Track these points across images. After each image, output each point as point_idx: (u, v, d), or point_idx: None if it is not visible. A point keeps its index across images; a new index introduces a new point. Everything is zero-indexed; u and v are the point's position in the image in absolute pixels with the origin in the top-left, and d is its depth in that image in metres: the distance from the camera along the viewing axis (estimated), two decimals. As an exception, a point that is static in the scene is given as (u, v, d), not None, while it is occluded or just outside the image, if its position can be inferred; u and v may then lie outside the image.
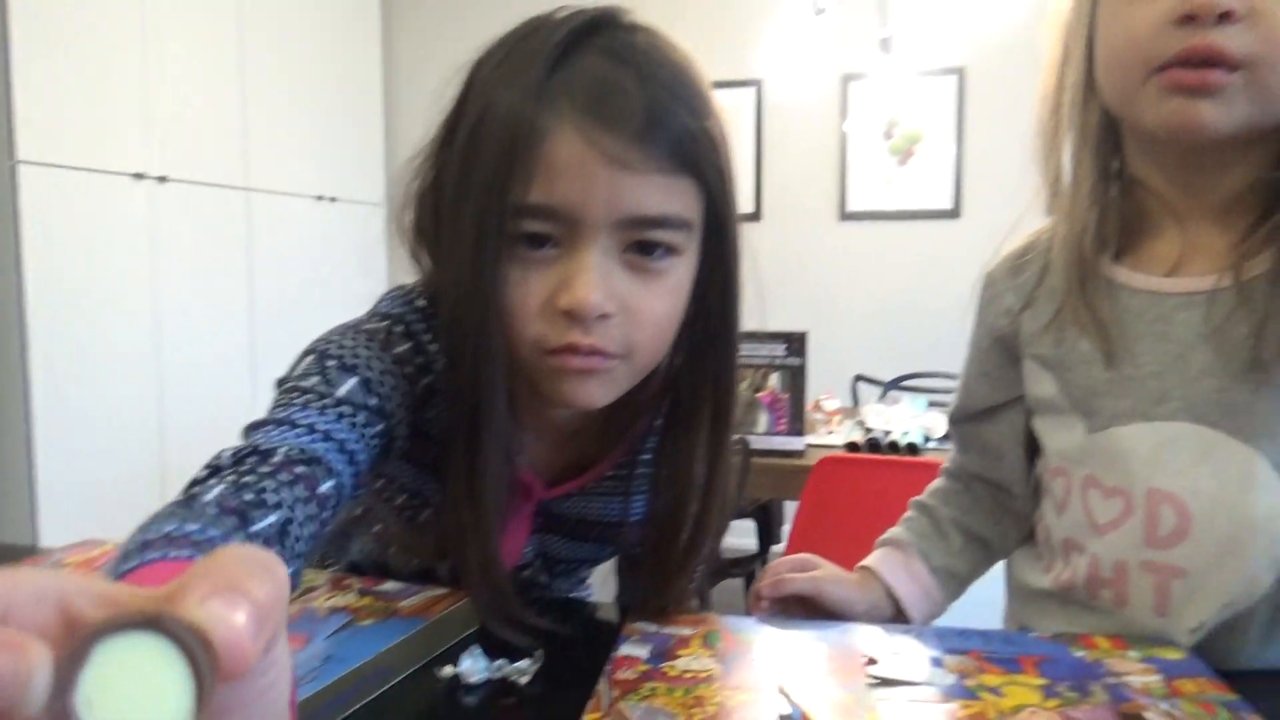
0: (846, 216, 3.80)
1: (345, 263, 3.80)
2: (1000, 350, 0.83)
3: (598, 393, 0.66)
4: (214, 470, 0.56)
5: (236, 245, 3.27)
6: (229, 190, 3.21)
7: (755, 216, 3.86)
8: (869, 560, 0.86)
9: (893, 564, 0.84)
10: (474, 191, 0.61)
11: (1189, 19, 0.61)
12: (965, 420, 0.88)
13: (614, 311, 0.62)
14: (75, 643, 0.18)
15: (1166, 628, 0.69)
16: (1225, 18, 0.60)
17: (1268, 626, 0.69)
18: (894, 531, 0.89)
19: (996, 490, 0.87)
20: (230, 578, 0.21)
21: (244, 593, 0.21)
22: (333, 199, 3.75)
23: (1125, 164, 0.74)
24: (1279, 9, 0.60)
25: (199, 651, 0.19)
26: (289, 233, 3.52)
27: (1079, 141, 0.73)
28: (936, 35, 3.44)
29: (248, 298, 3.31)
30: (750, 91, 3.81)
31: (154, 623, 0.19)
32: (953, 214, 3.64)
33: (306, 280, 3.58)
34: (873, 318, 3.77)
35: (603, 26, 0.64)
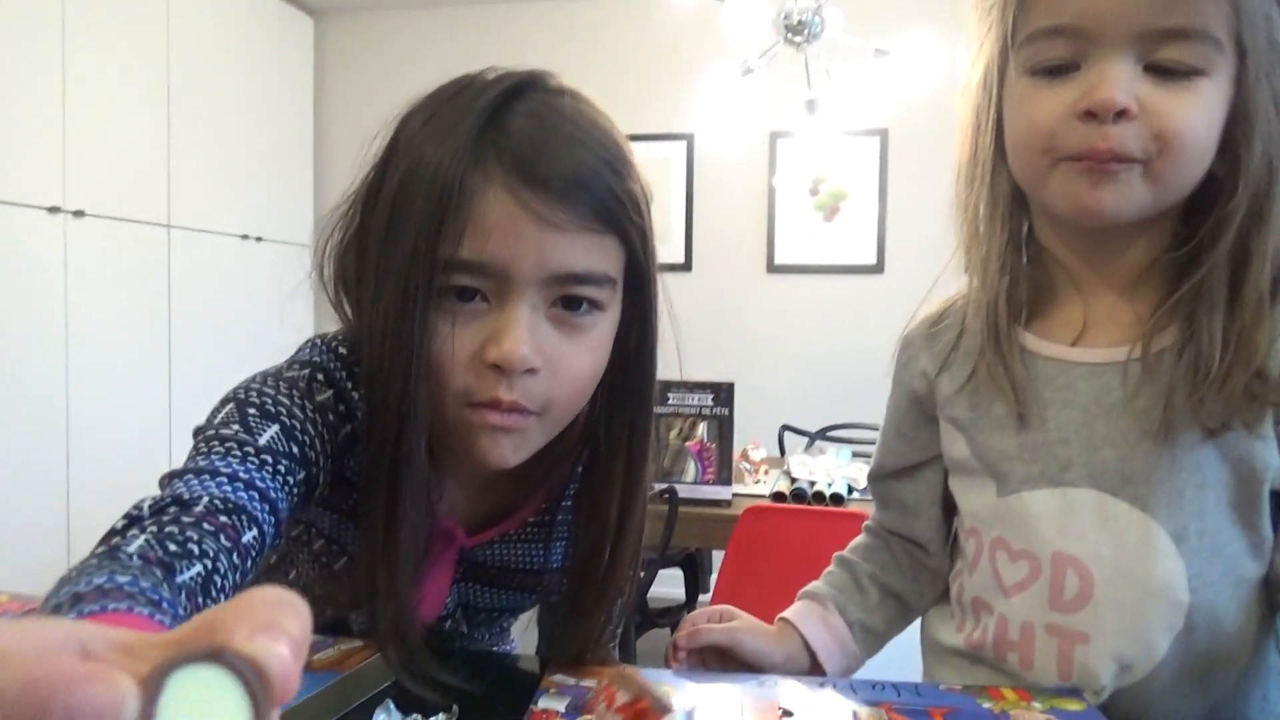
0: (774, 269, 3.88)
1: (269, 304, 3.73)
2: (916, 411, 0.84)
3: (510, 452, 0.67)
4: (133, 520, 0.55)
5: (156, 283, 3.18)
6: (150, 227, 3.14)
7: (686, 267, 3.92)
8: (788, 612, 0.86)
9: (810, 617, 0.85)
10: (403, 245, 0.62)
11: (1089, 115, 0.63)
12: (884, 478, 0.89)
13: (540, 366, 0.64)
14: (151, 674, 0.20)
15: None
16: (1121, 115, 0.63)
17: (1169, 690, 0.70)
18: (814, 585, 0.89)
19: (914, 548, 0.88)
20: (268, 617, 0.23)
21: (281, 629, 0.23)
22: (258, 238, 3.68)
23: (1033, 232, 0.77)
24: (1169, 106, 0.63)
25: (256, 681, 0.21)
26: (211, 272, 3.44)
27: (990, 209, 0.76)
28: (859, 98, 3.57)
29: (166, 337, 3.21)
30: (682, 145, 3.89)
31: (217, 656, 0.21)
32: (876, 269, 3.75)
33: (228, 321, 3.49)
34: (799, 368, 3.84)
35: (531, 89, 0.66)
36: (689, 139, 3.87)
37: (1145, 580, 0.69)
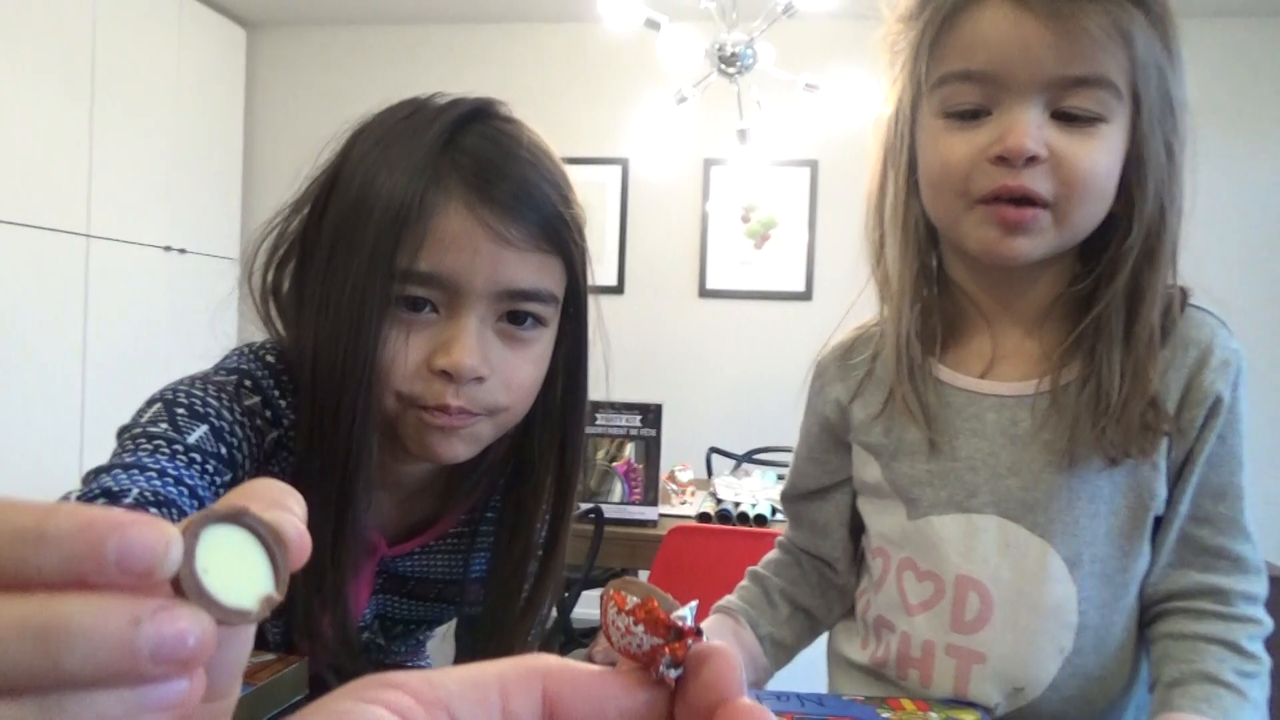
0: (706, 294, 3.93)
1: (192, 317, 3.64)
2: (828, 437, 0.87)
3: (461, 448, 0.69)
4: None
5: (72, 294, 3.08)
6: (67, 236, 3.04)
7: (619, 290, 3.95)
8: (702, 625, 0.88)
9: (722, 629, 0.87)
10: (358, 256, 0.64)
11: (1001, 159, 0.67)
12: (795, 499, 0.92)
13: (487, 375, 0.67)
14: (187, 527, 0.22)
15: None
16: (1031, 161, 0.66)
17: (1057, 714, 0.74)
18: (727, 599, 0.92)
19: (823, 565, 0.91)
20: (274, 497, 0.25)
21: (288, 508, 0.25)
22: (182, 250, 3.60)
23: (942, 264, 0.80)
24: (1075, 152, 0.66)
25: (274, 543, 0.24)
26: (132, 283, 3.35)
27: (902, 242, 0.78)
28: (790, 130, 3.66)
29: (81, 349, 3.11)
30: (617, 169, 3.93)
31: (240, 518, 0.23)
32: (805, 296, 3.83)
33: (147, 334, 3.40)
34: (729, 392, 3.89)
35: (484, 114, 0.70)
36: (624, 163, 3.92)
37: (1039, 603, 0.73)
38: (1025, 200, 0.67)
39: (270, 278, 0.73)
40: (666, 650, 0.26)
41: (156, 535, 0.21)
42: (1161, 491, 0.73)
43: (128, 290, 3.33)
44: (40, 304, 2.95)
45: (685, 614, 0.26)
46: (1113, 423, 0.69)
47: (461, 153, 0.66)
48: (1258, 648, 0.71)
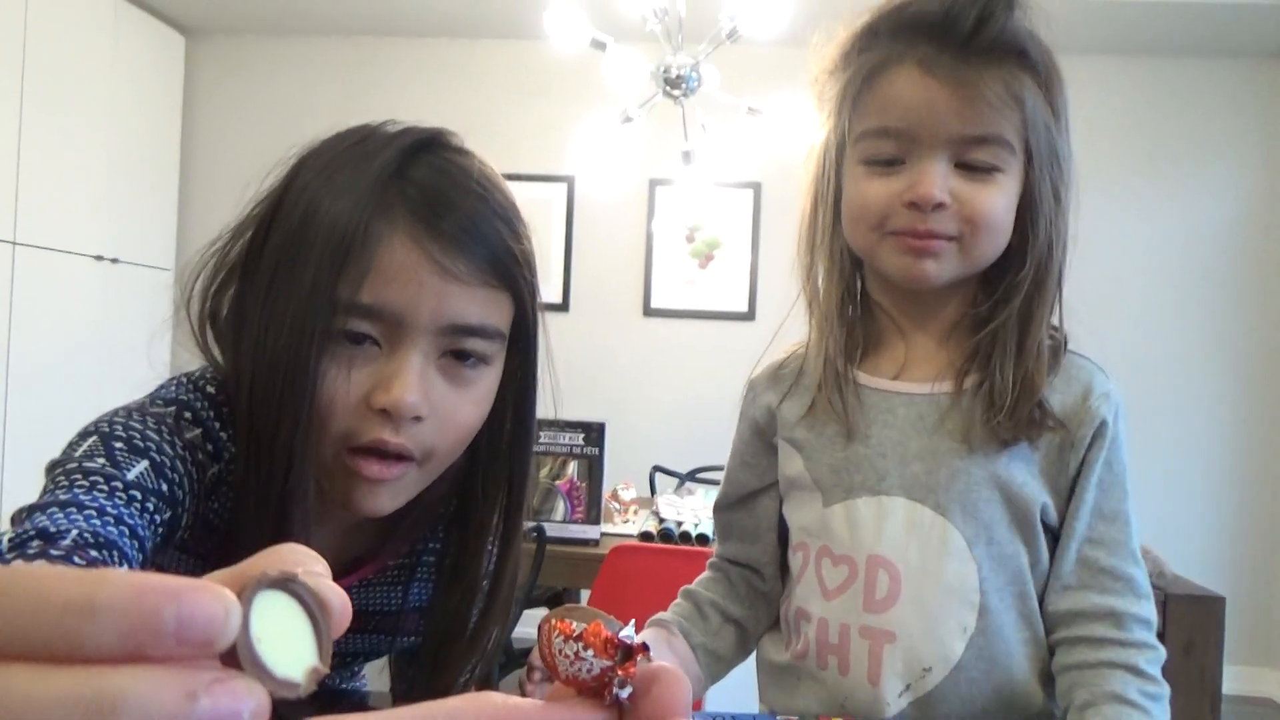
0: (650, 313, 3.95)
1: (123, 330, 3.54)
2: (758, 440, 0.94)
3: (386, 501, 0.67)
4: None
5: (-5, 303, 2.98)
6: (-8, 243, 2.95)
7: (563, 307, 3.95)
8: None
9: (656, 641, 0.89)
10: (298, 286, 0.62)
11: (913, 205, 0.77)
12: (727, 508, 0.97)
13: (427, 414, 0.65)
14: (242, 593, 0.22)
15: (879, 696, 0.79)
16: (938, 207, 0.77)
17: (965, 699, 0.79)
18: (661, 614, 0.95)
19: (751, 574, 0.96)
20: (301, 561, 0.25)
21: (315, 570, 0.24)
22: (114, 260, 3.51)
23: (865, 285, 0.90)
24: (975, 196, 0.77)
25: (318, 609, 0.24)
26: (60, 293, 3.25)
27: (828, 268, 0.89)
28: (734, 152, 3.71)
29: (4, 361, 3.01)
30: (562, 187, 3.94)
31: (291, 583, 0.23)
32: (748, 316, 3.87)
33: (75, 346, 3.30)
34: (673, 410, 3.91)
35: (435, 145, 0.68)
36: (569, 181, 3.93)
37: (942, 578, 0.79)
38: (931, 236, 0.78)
39: (209, 304, 0.70)
40: (618, 671, 0.26)
41: (217, 605, 0.20)
42: (1040, 496, 0.81)
43: (55, 300, 3.23)
44: (-39, 314, 2.85)
45: (630, 633, 0.27)
46: (1005, 418, 0.79)
47: (409, 183, 0.64)
48: (1156, 672, 0.77)
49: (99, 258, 3.44)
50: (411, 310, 0.63)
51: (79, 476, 0.58)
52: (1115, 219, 3.73)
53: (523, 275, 0.69)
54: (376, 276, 0.62)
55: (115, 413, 0.65)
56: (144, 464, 0.61)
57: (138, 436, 0.62)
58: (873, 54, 0.80)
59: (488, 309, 0.66)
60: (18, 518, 0.55)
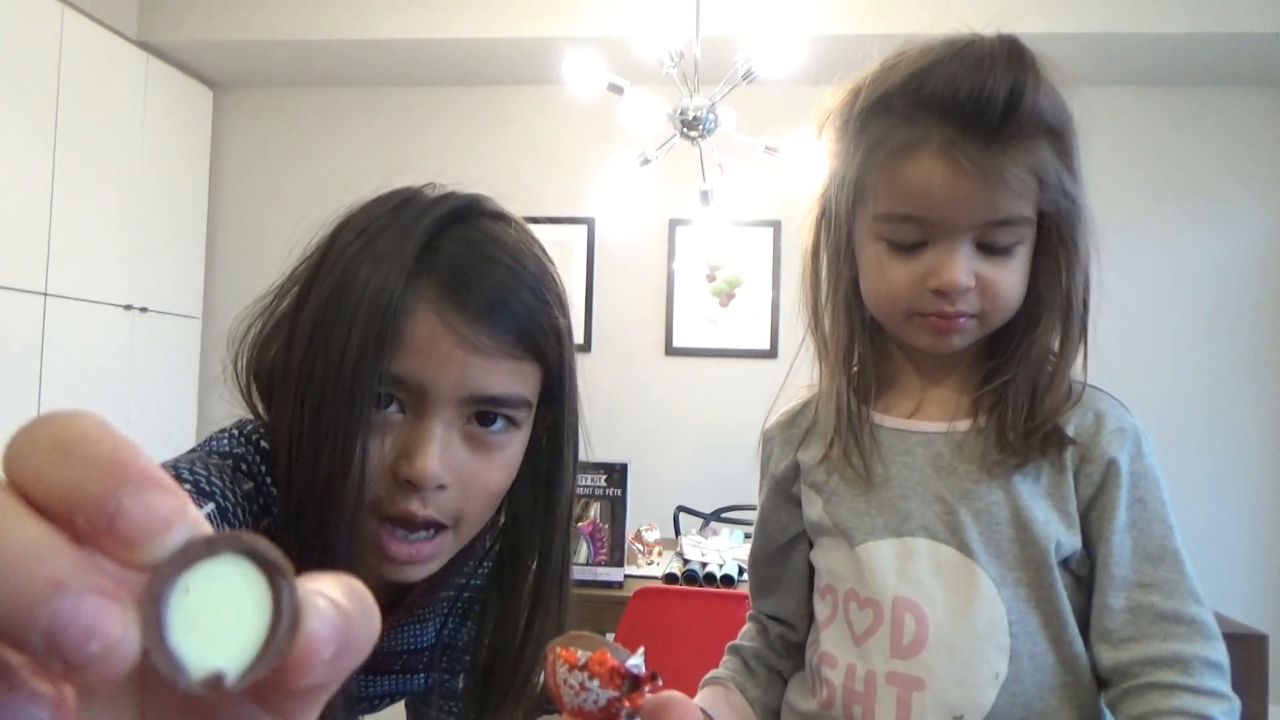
0: (672, 352, 3.95)
1: (152, 376, 3.59)
2: (779, 495, 0.93)
3: (418, 573, 0.67)
4: None
5: (28, 354, 3.03)
6: (24, 294, 3.00)
7: (585, 348, 3.95)
8: (697, 700, 0.91)
9: (716, 699, 0.89)
10: (334, 353, 0.63)
11: (939, 291, 0.77)
12: (759, 564, 0.97)
13: (451, 483, 0.65)
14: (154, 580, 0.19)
15: None
16: (964, 291, 0.76)
17: None
18: (714, 672, 0.95)
19: (784, 627, 0.95)
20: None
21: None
22: (143, 309, 3.56)
23: (876, 324, 0.87)
24: (998, 277, 0.77)
25: (278, 576, 0.20)
26: (90, 342, 3.30)
27: (833, 318, 0.88)
28: (752, 191, 3.73)
29: (36, 408, 3.05)
30: (583, 229, 3.96)
31: (241, 546, 0.20)
32: (770, 354, 3.86)
33: (105, 393, 3.34)
34: (696, 450, 3.89)
35: (470, 214, 0.69)
36: (590, 223, 3.95)
37: (973, 621, 0.76)
38: (957, 315, 0.78)
39: (254, 359, 0.72)
40: (625, 702, 0.25)
41: (162, 521, 0.19)
42: (1056, 529, 0.77)
43: (86, 349, 3.28)
44: (-7, 364, 2.90)
45: (638, 662, 0.26)
46: (1019, 437, 0.79)
47: (439, 255, 0.65)
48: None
49: (128, 307, 3.49)
50: (434, 381, 0.64)
51: None
52: (1137, 250, 3.70)
53: (550, 344, 0.69)
54: (403, 348, 0.63)
55: (178, 459, 0.66)
56: (210, 506, 0.62)
57: (204, 481, 0.63)
58: (892, 127, 0.76)
59: (512, 380, 0.66)
60: None
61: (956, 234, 0.76)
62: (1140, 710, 0.73)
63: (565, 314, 0.71)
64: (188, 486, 0.62)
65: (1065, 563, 0.79)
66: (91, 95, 3.29)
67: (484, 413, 0.66)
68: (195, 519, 0.20)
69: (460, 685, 0.84)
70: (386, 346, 0.62)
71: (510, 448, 0.69)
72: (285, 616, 0.20)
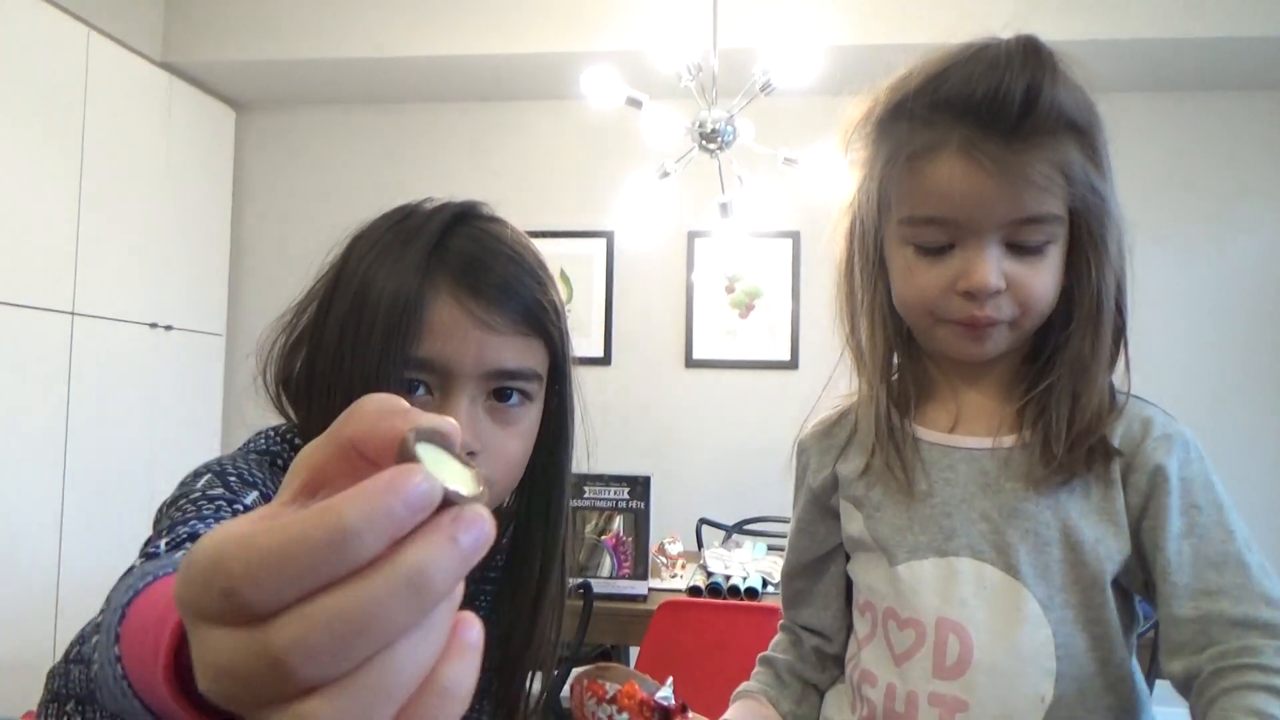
0: (692, 364, 3.95)
1: (177, 394, 3.62)
2: (815, 508, 0.92)
3: None
4: (150, 557, 0.57)
5: (55, 373, 3.06)
6: (51, 314, 3.04)
7: (605, 361, 3.96)
8: (730, 714, 0.90)
9: (751, 712, 0.89)
10: (366, 348, 0.71)
11: (969, 294, 0.75)
12: (794, 576, 0.95)
13: (479, 450, 0.72)
14: (408, 456, 0.28)
15: None
16: (995, 293, 0.75)
17: None
18: (746, 685, 0.94)
19: (820, 639, 0.93)
20: (396, 408, 0.29)
21: (412, 410, 0.30)
22: (168, 327, 3.60)
23: (912, 334, 0.86)
24: (1029, 278, 0.75)
25: (442, 440, 0.29)
26: (116, 360, 3.33)
27: (868, 328, 0.86)
28: (772, 202, 3.73)
29: (63, 427, 3.08)
30: (602, 242, 3.97)
31: (420, 432, 0.28)
32: (791, 365, 3.85)
33: (131, 411, 3.37)
34: (718, 462, 3.88)
35: (469, 216, 0.78)
36: (609, 236, 3.96)
37: (1017, 644, 0.74)
38: (988, 320, 0.77)
39: (281, 369, 0.79)
40: None
41: (420, 479, 0.26)
42: (1110, 551, 0.75)
43: (112, 366, 3.31)
44: (23, 382, 2.93)
45: (667, 694, 0.27)
46: (1065, 451, 0.76)
47: (449, 251, 0.73)
48: None
49: (153, 325, 3.53)
50: (458, 360, 0.71)
51: (205, 502, 0.66)
52: (1154, 258, 3.67)
53: (550, 320, 0.77)
54: (428, 334, 0.71)
55: (219, 458, 0.73)
56: (255, 494, 0.69)
57: (245, 473, 0.71)
58: (910, 131, 0.76)
59: (524, 354, 0.75)
60: (164, 526, 0.62)
61: (983, 234, 0.74)
62: (1212, 691, 0.70)
63: (557, 292, 0.79)
64: (233, 478, 0.69)
65: (1114, 581, 0.77)
66: (117, 117, 3.34)
67: (501, 389, 0.74)
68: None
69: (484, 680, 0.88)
70: (410, 334, 0.70)
71: (526, 419, 0.77)
72: (456, 453, 0.30)
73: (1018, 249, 0.75)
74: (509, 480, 0.77)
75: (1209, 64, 3.47)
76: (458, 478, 0.28)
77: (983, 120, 0.72)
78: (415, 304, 0.71)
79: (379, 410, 0.29)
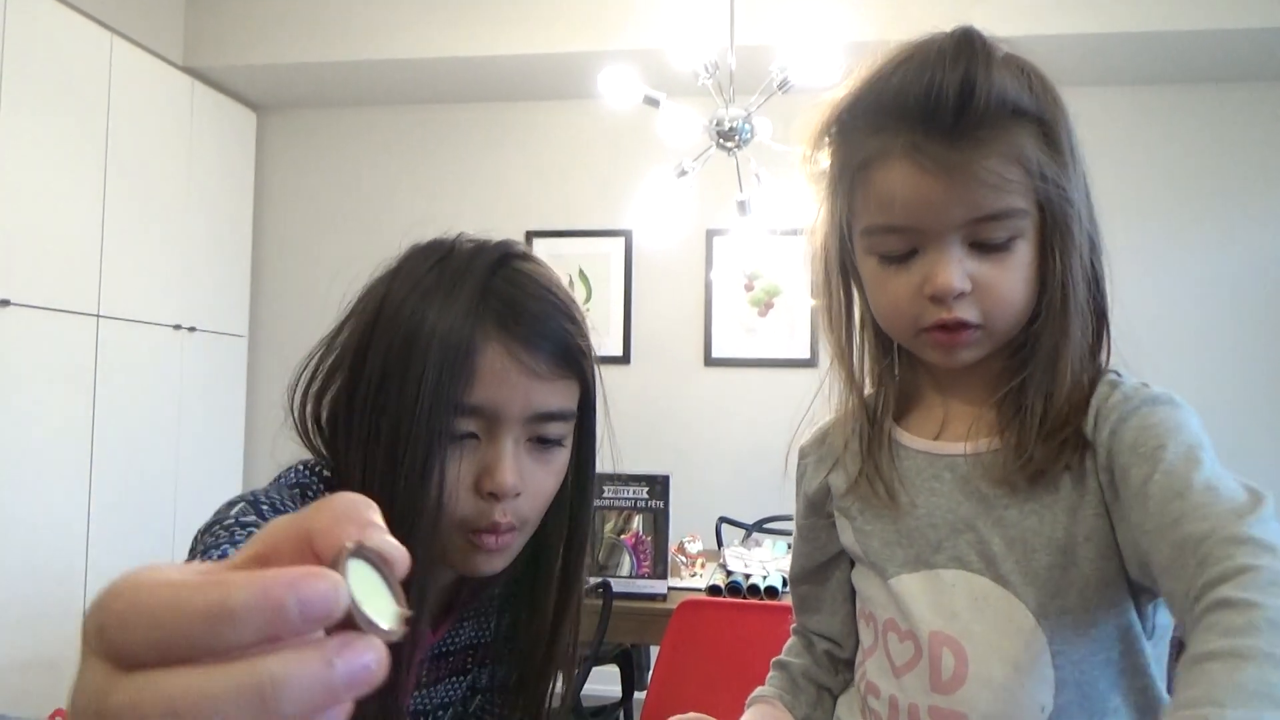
0: (711, 362, 3.94)
1: (201, 394, 3.66)
2: (813, 514, 0.92)
3: (500, 563, 0.78)
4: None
5: (81, 374, 3.10)
6: (77, 316, 3.08)
7: (624, 360, 3.96)
8: (746, 719, 0.90)
9: (767, 717, 0.89)
10: (412, 392, 0.72)
11: (934, 298, 0.73)
12: (799, 582, 0.95)
13: (523, 491, 0.76)
14: (335, 568, 0.26)
15: None
16: (960, 295, 0.73)
17: None
18: (760, 689, 0.94)
19: (830, 644, 0.93)
20: (364, 518, 0.28)
21: (375, 525, 0.29)
22: (191, 329, 3.64)
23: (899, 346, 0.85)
24: (995, 278, 0.73)
25: (385, 566, 0.28)
26: (141, 361, 3.37)
27: (847, 334, 0.85)
28: (790, 200, 3.72)
29: (89, 428, 3.12)
30: (620, 241, 3.98)
31: (362, 551, 0.27)
32: (810, 363, 3.84)
33: (155, 411, 3.41)
34: (737, 460, 3.87)
35: (508, 259, 0.79)
36: (627, 235, 3.97)
37: (1014, 656, 0.72)
38: (959, 324, 0.74)
39: (310, 405, 0.81)
40: None
41: (328, 585, 0.25)
42: (1106, 543, 0.71)
43: (137, 368, 3.35)
44: (50, 384, 2.97)
45: None
46: (1039, 445, 0.73)
47: (494, 297, 0.75)
48: (1250, 593, 0.53)
49: (177, 327, 3.56)
50: (506, 405, 0.74)
51: (238, 528, 0.68)
52: (1160, 254, 3.63)
53: (584, 362, 0.80)
54: (479, 380, 0.73)
55: (253, 490, 0.75)
56: None
57: (279, 503, 0.73)
58: (858, 140, 0.75)
59: (564, 397, 0.78)
60: (193, 555, 0.65)
61: (942, 237, 0.72)
62: (1191, 653, 0.53)
63: (586, 333, 0.81)
64: (266, 507, 0.71)
65: (1126, 578, 0.72)
66: (140, 120, 3.37)
67: (541, 436, 0.77)
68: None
69: (506, 677, 0.91)
70: (462, 379, 0.72)
71: (561, 456, 0.80)
72: (392, 580, 0.28)
73: (982, 247, 0.73)
74: (539, 514, 0.80)
75: (1219, 55, 3.43)
76: (380, 606, 0.27)
77: (924, 122, 0.70)
78: (468, 350, 0.72)
79: (344, 512, 0.28)
